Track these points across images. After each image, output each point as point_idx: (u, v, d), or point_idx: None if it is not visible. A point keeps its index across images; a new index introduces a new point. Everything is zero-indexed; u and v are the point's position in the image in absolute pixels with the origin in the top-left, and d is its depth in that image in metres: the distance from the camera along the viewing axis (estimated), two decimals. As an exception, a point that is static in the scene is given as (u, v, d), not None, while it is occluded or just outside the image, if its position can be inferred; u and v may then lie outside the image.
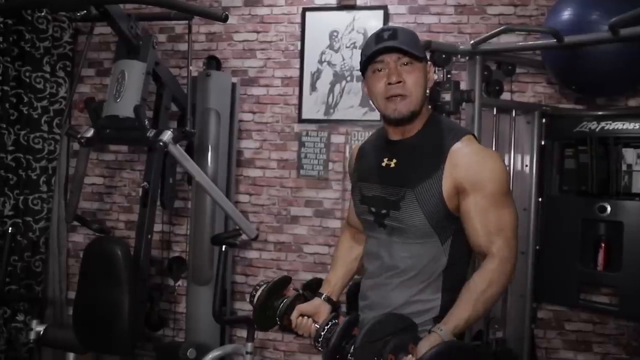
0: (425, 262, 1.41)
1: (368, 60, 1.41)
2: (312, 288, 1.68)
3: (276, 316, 1.59)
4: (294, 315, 1.54)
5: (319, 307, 1.57)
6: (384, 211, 1.44)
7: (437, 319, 1.36)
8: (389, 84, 1.37)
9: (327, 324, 1.44)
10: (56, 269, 3.52)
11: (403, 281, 1.43)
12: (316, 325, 1.51)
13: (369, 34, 3.20)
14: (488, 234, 1.35)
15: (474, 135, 1.46)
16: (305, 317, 1.54)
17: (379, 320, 1.31)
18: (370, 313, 1.46)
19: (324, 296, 1.60)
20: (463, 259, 1.44)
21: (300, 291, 1.64)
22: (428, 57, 1.50)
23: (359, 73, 1.51)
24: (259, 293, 1.61)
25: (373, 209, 1.48)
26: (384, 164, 1.48)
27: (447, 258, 1.40)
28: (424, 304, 1.41)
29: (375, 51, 1.38)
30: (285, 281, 1.68)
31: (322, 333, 1.42)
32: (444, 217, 1.38)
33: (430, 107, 1.53)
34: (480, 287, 1.32)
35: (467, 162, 1.36)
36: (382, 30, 1.42)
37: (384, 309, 1.43)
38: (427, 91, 1.45)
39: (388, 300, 1.45)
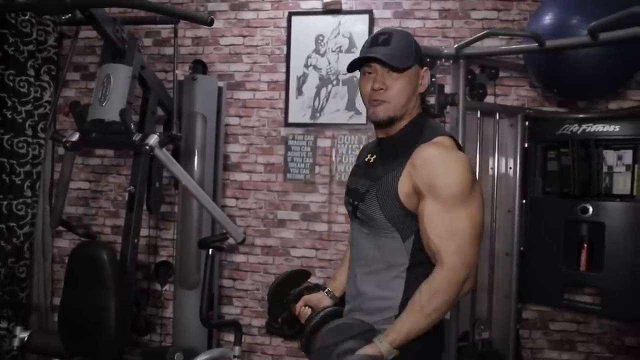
0: (386, 257, 1.43)
1: (359, 62, 1.46)
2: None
3: (288, 303, 1.72)
4: (298, 304, 1.68)
5: (321, 299, 1.67)
6: (355, 202, 1.50)
7: (392, 320, 1.37)
8: (373, 89, 1.42)
9: (317, 314, 1.56)
10: (41, 274, 3.48)
11: (366, 273, 1.47)
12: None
13: (355, 39, 3.26)
14: (438, 239, 1.32)
15: (452, 137, 1.45)
16: (307, 307, 1.66)
17: (335, 326, 1.42)
18: (348, 304, 1.55)
19: (327, 290, 1.69)
20: (431, 259, 1.39)
21: (311, 284, 1.76)
22: (423, 62, 1.49)
23: (345, 77, 1.55)
24: (275, 281, 1.77)
25: (350, 200, 1.55)
26: (366, 159, 1.55)
27: (409, 257, 1.40)
28: (384, 301, 1.42)
29: (360, 58, 1.44)
30: (303, 274, 1.81)
31: (311, 322, 1.54)
32: (401, 214, 1.38)
33: (421, 108, 1.53)
34: (424, 297, 1.30)
35: (424, 164, 1.35)
36: (378, 34, 1.46)
37: (352, 302, 1.52)
38: (418, 95, 1.48)
39: (356, 290, 1.51)
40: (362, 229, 1.49)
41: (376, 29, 3.22)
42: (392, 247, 1.41)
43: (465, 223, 1.32)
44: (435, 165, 1.34)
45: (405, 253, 1.40)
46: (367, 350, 1.29)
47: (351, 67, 1.48)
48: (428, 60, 2.70)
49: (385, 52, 1.39)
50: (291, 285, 1.75)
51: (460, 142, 2.64)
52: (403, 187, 1.36)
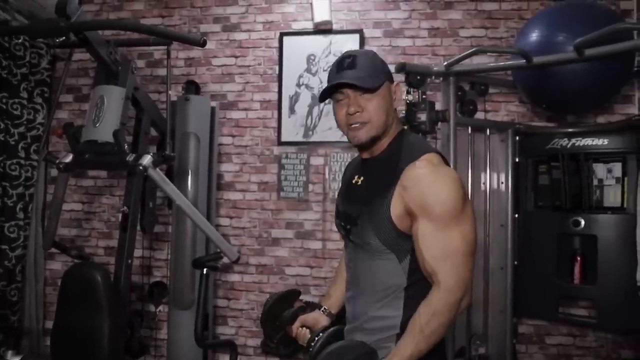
0: (384, 279, 1.41)
1: (329, 91, 1.45)
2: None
3: (282, 324, 1.70)
4: (295, 325, 1.66)
5: (317, 318, 1.65)
6: (348, 227, 1.49)
7: (400, 336, 1.36)
8: (349, 114, 1.42)
9: (317, 335, 1.55)
10: (33, 297, 3.45)
11: (365, 296, 1.47)
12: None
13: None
14: (433, 259, 1.31)
15: (438, 153, 1.43)
16: (304, 328, 1.65)
17: (336, 349, 1.40)
18: (349, 324, 1.53)
19: (322, 308, 1.68)
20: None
21: (304, 304, 1.76)
22: (392, 77, 1.48)
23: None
24: (267, 303, 1.74)
25: (342, 224, 1.54)
26: (354, 181, 1.54)
27: (406, 276, 1.39)
28: (385, 321, 1.41)
29: (331, 86, 1.43)
30: (295, 294, 1.79)
31: (312, 343, 1.53)
32: (396, 236, 1.37)
33: (402, 123, 1.54)
34: (423, 319, 1.30)
35: (415, 185, 1.33)
36: (342, 58, 1.44)
37: (353, 322, 1.50)
38: (395, 110, 1.47)
39: (355, 313, 1.50)
40: (358, 252, 1.48)
41: (366, 48, 3.30)
42: (389, 268, 1.40)
43: (459, 241, 1.31)
44: (425, 185, 1.32)
45: (403, 273, 1.39)
46: None
47: (322, 97, 1.48)
48: (418, 78, 2.74)
49: (354, 75, 1.38)
50: (284, 306, 1.73)
51: (451, 158, 2.69)
52: (395, 209, 1.35)
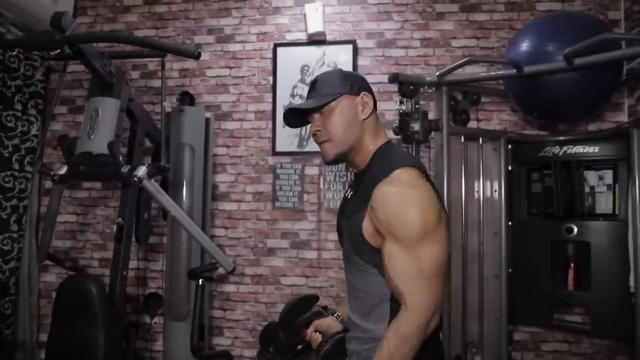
0: (369, 290, 1.42)
1: (286, 118, 1.56)
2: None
3: (298, 329, 1.74)
4: (309, 330, 1.69)
5: (330, 324, 1.68)
6: (340, 240, 1.54)
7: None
8: (313, 134, 1.50)
9: (327, 340, 1.59)
10: (27, 310, 3.42)
11: (357, 305, 1.48)
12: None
13: (340, 67, 3.34)
14: (399, 281, 1.29)
15: (415, 167, 1.38)
16: (318, 333, 1.68)
17: (334, 343, 1.50)
18: (349, 333, 1.56)
19: (336, 315, 1.70)
20: None
21: (322, 309, 1.78)
22: (359, 90, 1.46)
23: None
24: (285, 307, 1.79)
25: (338, 237, 1.59)
26: (347, 195, 1.58)
27: (389, 290, 1.36)
28: (372, 331, 1.41)
29: (284, 114, 1.54)
30: (313, 299, 1.82)
31: (321, 348, 1.58)
32: (371, 252, 1.37)
33: (385, 136, 1.51)
34: (392, 343, 1.28)
35: (380, 206, 1.31)
36: (310, 84, 1.52)
37: (350, 330, 1.53)
38: (363, 123, 1.45)
39: (351, 321, 1.52)
40: (347, 264, 1.51)
41: (360, 58, 3.35)
42: (372, 280, 1.40)
43: (426, 263, 1.27)
44: (390, 206, 1.29)
45: (384, 287, 1.38)
46: None
47: (291, 124, 1.57)
48: (411, 87, 2.77)
49: (310, 99, 1.46)
50: (301, 310, 1.77)
51: (445, 167, 2.71)
52: (367, 228, 1.36)
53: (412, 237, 1.27)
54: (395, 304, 1.35)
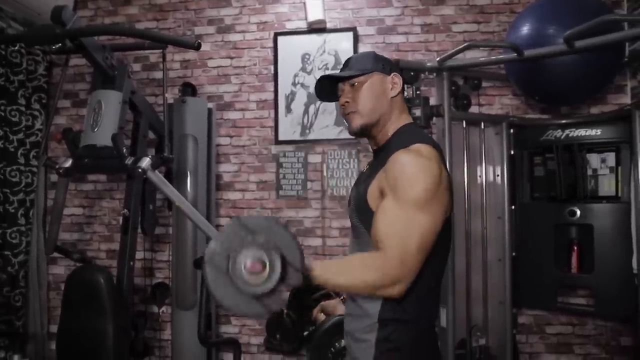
0: None
1: (319, 88, 1.58)
2: None
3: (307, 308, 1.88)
4: (316, 310, 1.80)
5: (336, 306, 1.77)
6: (349, 212, 1.54)
7: (376, 325, 1.36)
8: (342, 105, 1.52)
9: (325, 321, 1.72)
10: (37, 302, 3.48)
11: None
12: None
13: (340, 56, 3.35)
14: (385, 229, 1.28)
15: (435, 147, 1.39)
16: (323, 313, 1.79)
17: (333, 323, 1.55)
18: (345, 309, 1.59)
19: (342, 297, 1.76)
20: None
21: (331, 292, 1.89)
22: (389, 70, 1.50)
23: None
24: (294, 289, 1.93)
25: (348, 210, 1.59)
26: (364, 170, 1.59)
27: None
28: (364, 308, 1.41)
29: (318, 81, 1.55)
30: None
31: (321, 328, 1.72)
32: (371, 217, 1.35)
33: (409, 116, 1.55)
34: (355, 262, 1.29)
35: (393, 167, 1.33)
36: (344, 62, 1.56)
37: (347, 306, 1.53)
38: (392, 100, 1.49)
39: (349, 296, 1.53)
40: (353, 238, 1.52)
41: (360, 46, 3.35)
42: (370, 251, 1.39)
43: (415, 228, 1.26)
44: (402, 168, 1.31)
45: None
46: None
47: (322, 97, 1.60)
48: (412, 74, 2.76)
49: (343, 72, 1.51)
50: (312, 290, 1.84)
51: (447, 152, 2.72)
52: (373, 192, 1.37)
53: (411, 199, 1.27)
54: None
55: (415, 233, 1.26)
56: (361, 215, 1.41)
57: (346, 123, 1.54)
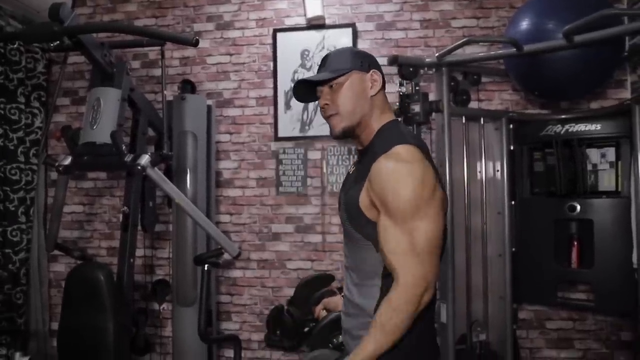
0: (362, 266, 1.43)
1: (296, 92, 1.57)
2: None
3: (310, 305, 1.89)
4: (317, 307, 1.81)
5: (338, 302, 1.76)
6: (340, 214, 1.55)
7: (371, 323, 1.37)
8: (321, 108, 1.50)
9: (325, 318, 1.74)
10: (38, 300, 3.49)
11: (351, 279, 1.49)
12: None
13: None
14: (392, 255, 1.30)
15: (415, 145, 1.38)
16: (325, 310, 1.80)
17: (332, 319, 1.56)
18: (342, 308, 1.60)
19: (343, 294, 1.73)
20: None
21: (334, 288, 1.92)
22: (368, 68, 1.48)
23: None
24: (300, 282, 1.97)
25: (339, 211, 1.60)
26: (350, 171, 1.59)
27: (383, 265, 1.37)
28: (362, 306, 1.42)
29: (294, 87, 1.54)
30: (329, 278, 1.96)
31: (320, 324, 1.73)
32: (366, 223, 1.38)
33: (392, 113, 1.53)
34: (384, 316, 1.29)
35: (377, 179, 1.33)
36: (321, 59, 1.54)
37: (344, 305, 1.55)
38: (372, 99, 1.47)
39: (345, 295, 1.55)
40: (345, 239, 1.52)
41: (359, 41, 3.33)
42: (367, 255, 1.41)
43: (418, 238, 1.28)
44: (385, 180, 1.31)
45: (379, 261, 1.38)
46: None
47: (300, 98, 1.57)
48: (411, 69, 2.76)
49: (319, 74, 1.48)
50: (315, 288, 1.85)
51: (446, 148, 2.72)
52: (363, 200, 1.38)
53: (404, 210, 1.28)
54: (388, 280, 1.36)
55: (420, 241, 1.29)
56: (353, 219, 1.42)
57: (328, 125, 1.51)
